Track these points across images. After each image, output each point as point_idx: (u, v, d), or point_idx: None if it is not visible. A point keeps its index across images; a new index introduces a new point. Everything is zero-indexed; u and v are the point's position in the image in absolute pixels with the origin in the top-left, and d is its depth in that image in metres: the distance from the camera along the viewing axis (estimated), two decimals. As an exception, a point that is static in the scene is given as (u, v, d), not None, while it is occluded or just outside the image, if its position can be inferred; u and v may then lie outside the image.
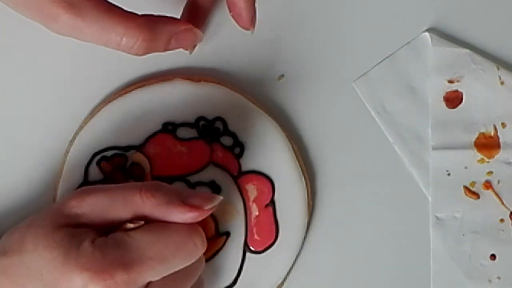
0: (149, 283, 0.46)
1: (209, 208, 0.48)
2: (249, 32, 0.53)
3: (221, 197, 0.49)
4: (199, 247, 0.48)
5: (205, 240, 0.49)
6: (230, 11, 0.53)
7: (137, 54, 0.49)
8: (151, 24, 0.48)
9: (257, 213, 0.56)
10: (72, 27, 0.47)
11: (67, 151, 0.56)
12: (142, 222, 0.47)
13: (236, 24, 0.53)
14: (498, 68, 0.58)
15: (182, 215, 0.48)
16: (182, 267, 0.48)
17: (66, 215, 0.47)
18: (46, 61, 0.57)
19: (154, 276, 0.46)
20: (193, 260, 0.48)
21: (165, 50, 0.50)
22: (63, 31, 0.47)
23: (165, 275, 0.47)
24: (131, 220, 0.47)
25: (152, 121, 0.56)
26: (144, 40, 0.48)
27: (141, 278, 0.45)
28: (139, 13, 0.48)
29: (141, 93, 0.56)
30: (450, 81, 0.58)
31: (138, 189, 0.48)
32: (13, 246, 0.47)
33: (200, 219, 0.48)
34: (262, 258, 0.56)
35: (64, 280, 0.45)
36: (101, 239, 0.46)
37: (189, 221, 0.48)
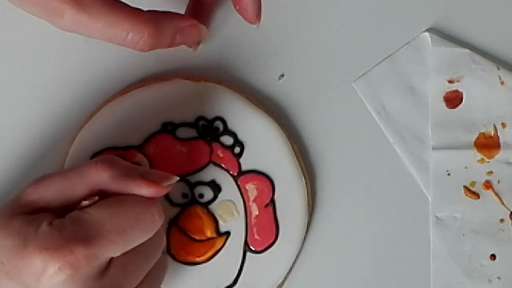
0: (111, 259, 0.46)
1: (166, 185, 0.48)
2: (254, 27, 0.54)
3: (177, 178, 0.49)
4: (156, 218, 0.47)
5: (162, 212, 0.48)
6: (235, 6, 0.54)
7: (142, 50, 0.49)
8: (156, 19, 0.48)
9: (257, 213, 0.56)
10: (77, 23, 0.47)
11: (67, 151, 0.56)
12: (97, 198, 0.47)
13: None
14: (498, 68, 0.58)
15: (139, 189, 0.47)
16: (142, 240, 0.47)
17: (23, 203, 0.47)
18: (45, 61, 0.57)
19: (114, 250, 0.45)
20: (152, 232, 0.47)
21: (170, 46, 0.50)
22: (69, 27, 0.47)
23: (126, 249, 0.46)
24: (86, 198, 0.47)
25: (152, 121, 0.56)
26: (150, 35, 0.48)
27: (102, 253, 0.45)
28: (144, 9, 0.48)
29: (141, 93, 0.56)
30: (450, 81, 0.58)
31: (93, 164, 0.47)
32: None
33: (156, 195, 0.48)
34: (262, 258, 0.56)
35: (24, 264, 0.44)
36: (58, 220, 0.45)
37: (146, 195, 0.48)
